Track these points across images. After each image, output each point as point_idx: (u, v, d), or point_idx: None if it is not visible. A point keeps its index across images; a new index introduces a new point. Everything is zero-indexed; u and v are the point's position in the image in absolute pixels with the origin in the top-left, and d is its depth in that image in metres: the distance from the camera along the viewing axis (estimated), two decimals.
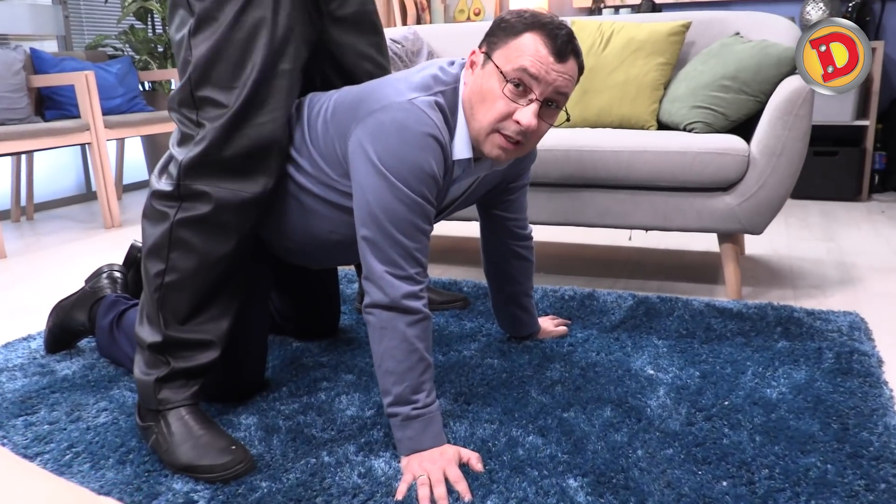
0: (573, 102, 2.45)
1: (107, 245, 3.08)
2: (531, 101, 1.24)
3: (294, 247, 1.47)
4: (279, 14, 1.34)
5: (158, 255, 1.33)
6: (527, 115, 1.23)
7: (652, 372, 1.62)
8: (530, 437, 1.35)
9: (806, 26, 3.62)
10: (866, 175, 3.56)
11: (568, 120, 1.34)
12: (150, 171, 4.37)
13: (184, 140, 1.34)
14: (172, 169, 1.33)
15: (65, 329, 1.76)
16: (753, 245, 2.77)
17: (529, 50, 1.23)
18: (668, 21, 2.44)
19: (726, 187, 1.99)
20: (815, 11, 3.56)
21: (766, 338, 1.79)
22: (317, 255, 1.49)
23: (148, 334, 1.35)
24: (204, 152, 1.30)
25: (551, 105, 1.28)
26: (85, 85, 3.25)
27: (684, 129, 2.20)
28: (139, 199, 4.20)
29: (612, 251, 2.74)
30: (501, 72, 1.24)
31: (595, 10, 4.05)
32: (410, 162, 1.22)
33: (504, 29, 1.27)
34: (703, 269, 2.47)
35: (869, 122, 3.50)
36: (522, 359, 1.70)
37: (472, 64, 1.31)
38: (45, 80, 3.36)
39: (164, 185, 1.34)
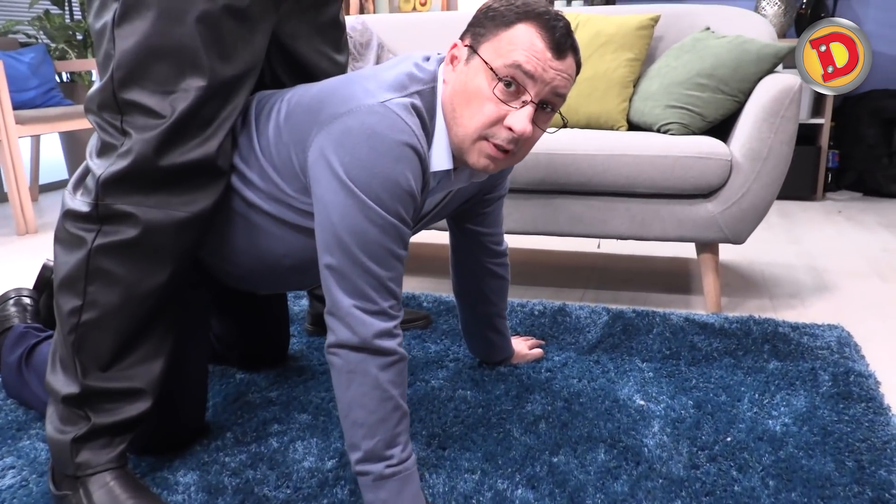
0: None
1: (19, 256, 2.76)
2: (525, 103, 1.06)
3: (239, 272, 1.26)
4: None
5: (73, 289, 1.10)
6: (521, 119, 1.05)
7: (642, 402, 1.46)
8: (519, 491, 1.17)
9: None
10: (821, 174, 3.51)
11: (565, 125, 1.16)
12: (71, 170, 4.02)
13: (104, 150, 1.11)
14: (90, 184, 1.10)
15: None
16: (721, 249, 2.66)
17: (524, 43, 1.05)
18: (635, 14, 2.29)
19: (708, 194, 1.85)
20: (770, 7, 3.49)
21: (756, 357, 1.66)
22: (265, 281, 1.28)
23: (62, 384, 1.11)
24: (130, 166, 1.08)
25: (546, 108, 1.10)
26: None
27: (658, 131, 2.06)
28: (58, 201, 3.86)
29: (579, 257, 2.59)
30: (491, 68, 1.05)
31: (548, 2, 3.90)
32: (383, 176, 1.02)
33: (492, 18, 1.08)
34: (675, 276, 2.35)
35: (824, 121, 3.45)
36: (498, 389, 1.52)
37: (454, 59, 1.12)
38: None
39: (79, 203, 1.11)
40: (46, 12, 3.73)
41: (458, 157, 1.13)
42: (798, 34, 3.58)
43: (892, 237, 2.79)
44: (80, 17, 3.87)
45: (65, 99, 3.54)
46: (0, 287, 2.36)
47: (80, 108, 3.37)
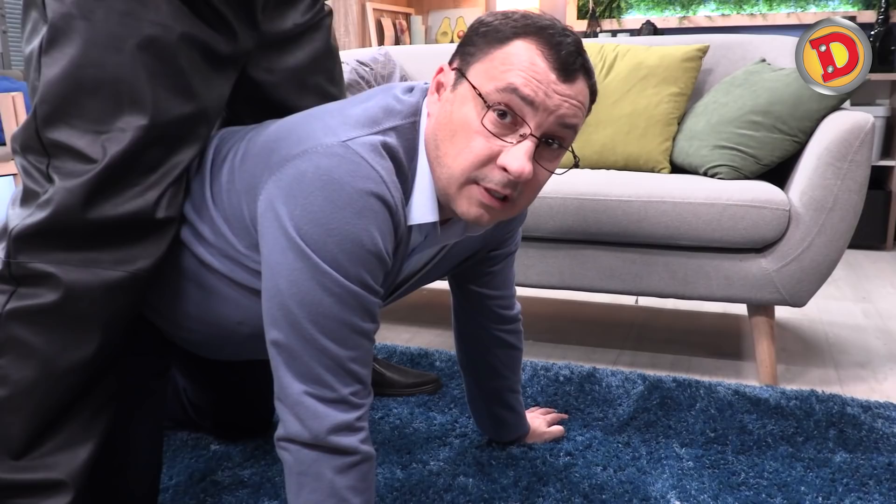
0: None
1: None
2: (523, 136, 0.85)
3: (194, 338, 1.07)
4: (182, 25, 0.95)
5: None
6: (517, 157, 0.84)
7: (677, 503, 1.21)
8: None
9: None
10: (892, 221, 3.20)
11: (576, 164, 0.94)
12: None
13: (26, 198, 0.94)
14: (2, 238, 0.93)
15: None
16: (777, 308, 2.38)
17: (521, 62, 0.84)
18: (681, 45, 2.07)
19: (762, 248, 1.60)
20: None
21: (819, 446, 1.39)
22: (225, 350, 1.09)
23: None
24: (49, 219, 0.90)
25: (553, 143, 0.88)
26: (11, 108, 2.83)
27: (705, 174, 1.82)
28: None
29: (615, 311, 2.34)
30: (480, 94, 0.85)
31: (591, 34, 3.70)
32: (342, 233, 0.82)
33: (484, 35, 0.88)
34: (724, 336, 2.08)
35: (895, 163, 3.15)
36: (506, 477, 1.29)
37: (440, 87, 0.92)
38: None
39: None
40: None
41: (445, 205, 0.93)
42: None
43: None
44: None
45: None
46: None
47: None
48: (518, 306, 1.32)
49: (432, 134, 0.90)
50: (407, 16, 4.02)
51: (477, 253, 1.19)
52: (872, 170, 3.41)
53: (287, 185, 0.84)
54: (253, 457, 1.38)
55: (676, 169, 2.00)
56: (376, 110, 0.90)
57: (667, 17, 3.64)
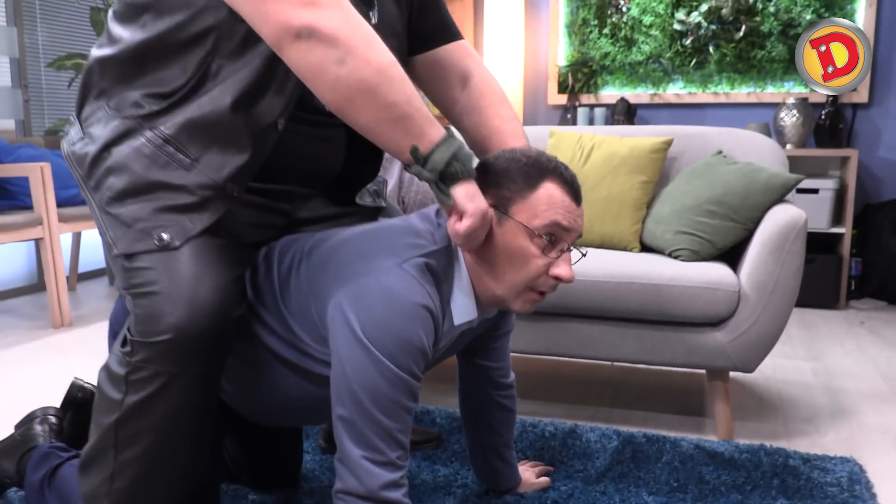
0: None
1: (52, 351, 2.87)
2: (562, 251, 1.18)
3: (254, 408, 1.31)
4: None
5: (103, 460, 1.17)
6: (567, 268, 1.18)
7: None
8: None
9: (780, 131, 3.62)
10: (843, 283, 3.51)
11: (584, 255, 1.31)
12: (110, 270, 4.15)
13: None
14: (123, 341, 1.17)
15: None
16: None
17: (556, 203, 1.16)
18: (649, 137, 2.38)
19: (716, 322, 1.88)
20: (788, 118, 3.57)
21: (764, 494, 1.66)
22: (278, 419, 1.34)
23: None
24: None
25: (571, 247, 1.21)
26: (40, 177, 3.09)
27: (670, 255, 2.11)
28: (95, 290, 4.00)
29: (593, 370, 2.61)
30: (532, 229, 1.16)
31: (570, 108, 4.04)
32: (397, 334, 1.09)
33: (514, 181, 1.17)
34: (690, 393, 2.35)
35: (844, 230, 3.48)
36: None
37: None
38: None
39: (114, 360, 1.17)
40: None
41: (490, 304, 1.23)
42: (817, 144, 3.64)
43: None
44: None
45: None
46: (30, 384, 2.45)
47: None
48: (513, 375, 1.58)
49: (484, 258, 1.19)
50: None
51: (483, 334, 1.46)
52: (825, 236, 3.74)
53: (355, 296, 1.11)
54: None
55: (646, 248, 2.29)
56: (417, 238, 1.18)
57: (639, 94, 3.99)
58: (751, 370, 1.88)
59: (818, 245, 3.72)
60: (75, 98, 1.26)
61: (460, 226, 1.12)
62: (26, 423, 1.60)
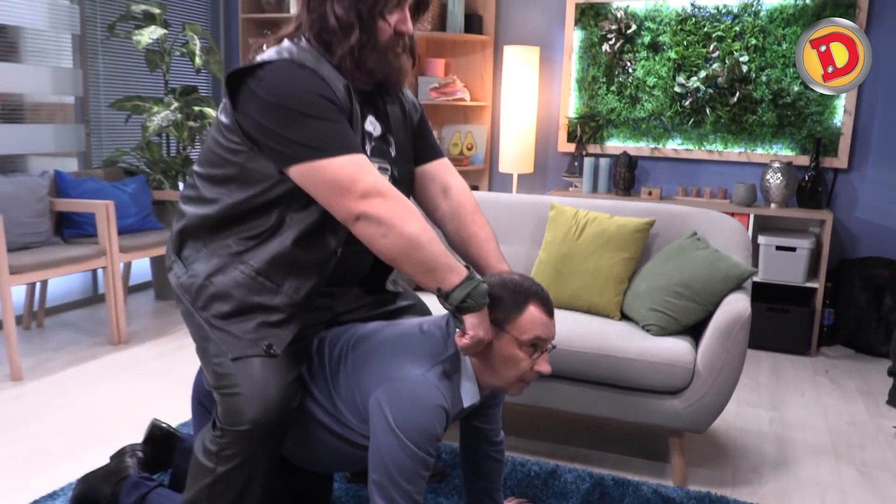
0: (549, 282, 2.76)
1: (116, 369, 3.32)
2: (542, 352, 1.60)
3: (299, 459, 1.74)
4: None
5: None
6: (546, 365, 1.60)
7: None
8: None
9: (766, 190, 3.99)
10: (815, 333, 3.89)
11: (554, 348, 1.71)
12: (157, 284, 4.60)
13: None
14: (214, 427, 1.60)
15: (89, 500, 2.00)
16: None
17: (537, 322, 1.57)
18: (634, 217, 2.78)
19: (674, 392, 2.29)
20: (773, 180, 3.94)
21: None
22: (317, 466, 1.76)
23: None
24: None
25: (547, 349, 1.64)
26: (105, 214, 3.54)
27: (643, 328, 2.51)
28: (142, 303, 4.45)
29: (575, 415, 3.01)
30: (520, 341, 1.57)
31: (577, 157, 4.43)
32: (420, 426, 1.51)
33: (505, 307, 1.58)
34: (657, 439, 2.76)
35: (818, 285, 3.85)
36: None
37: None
38: (67, 206, 3.64)
39: (209, 440, 1.61)
40: (149, 143, 4.39)
41: (489, 390, 1.66)
42: (799, 204, 4.02)
43: (865, 407, 3.15)
44: (174, 154, 4.52)
45: (157, 222, 4.16)
46: (93, 401, 2.90)
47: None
48: (502, 434, 2.00)
49: (484, 360, 1.60)
50: None
51: (481, 403, 1.88)
52: (800, 290, 4.11)
53: (390, 395, 1.53)
54: None
55: (625, 316, 2.69)
56: (431, 350, 1.59)
57: (641, 147, 4.37)
58: (701, 432, 2.28)
59: (793, 297, 4.09)
60: (171, 239, 1.69)
61: (461, 343, 1.54)
62: (119, 456, 2.04)
